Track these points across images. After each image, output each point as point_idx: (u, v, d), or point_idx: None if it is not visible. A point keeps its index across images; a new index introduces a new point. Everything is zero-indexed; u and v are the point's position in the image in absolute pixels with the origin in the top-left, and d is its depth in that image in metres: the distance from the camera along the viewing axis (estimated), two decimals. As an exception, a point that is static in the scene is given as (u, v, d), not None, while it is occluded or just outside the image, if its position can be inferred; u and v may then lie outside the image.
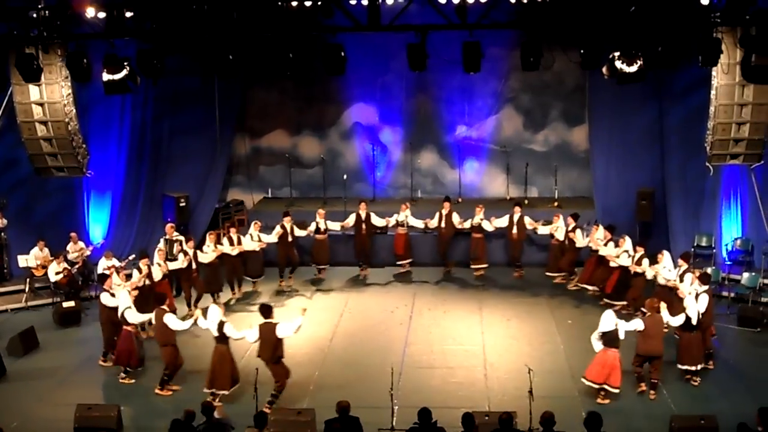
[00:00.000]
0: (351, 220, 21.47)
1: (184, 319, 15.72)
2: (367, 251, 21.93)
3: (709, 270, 18.68)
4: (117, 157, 22.39)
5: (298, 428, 12.97)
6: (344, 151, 25.33)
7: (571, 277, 20.79)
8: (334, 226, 21.36)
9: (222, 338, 14.48)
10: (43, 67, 17.38)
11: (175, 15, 16.80)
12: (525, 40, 16.86)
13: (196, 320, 15.03)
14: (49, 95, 18.13)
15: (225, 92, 23.31)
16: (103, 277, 16.70)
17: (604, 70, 17.70)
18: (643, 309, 17.47)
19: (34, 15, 16.90)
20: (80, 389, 15.34)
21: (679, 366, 15.10)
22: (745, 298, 19.04)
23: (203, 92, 22.93)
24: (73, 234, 20.63)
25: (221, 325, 14.45)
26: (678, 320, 14.78)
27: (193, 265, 18.85)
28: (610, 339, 14.20)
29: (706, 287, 15.53)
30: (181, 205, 22.34)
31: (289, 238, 20.83)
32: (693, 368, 15.03)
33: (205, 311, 15.01)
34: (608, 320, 14.21)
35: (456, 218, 21.44)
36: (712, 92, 17.24)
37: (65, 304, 19.01)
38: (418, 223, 21.61)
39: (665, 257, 17.55)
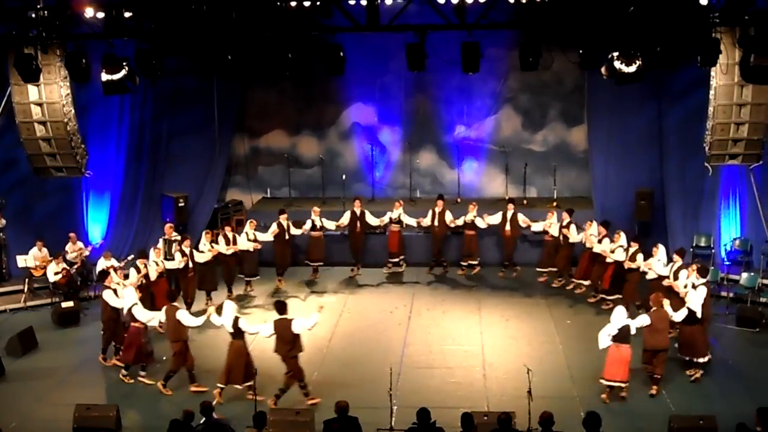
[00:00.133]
0: (346, 218, 21.46)
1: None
2: (361, 250, 21.93)
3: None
4: (116, 157, 22.38)
5: (297, 428, 12.97)
6: (343, 151, 25.32)
7: (560, 277, 20.81)
8: (330, 224, 21.36)
9: (237, 334, 14.51)
10: (41, 68, 17.36)
11: (174, 15, 16.80)
12: (524, 41, 16.86)
13: (209, 316, 15.04)
14: (47, 95, 18.12)
15: (224, 92, 23.33)
16: (104, 274, 16.67)
17: (602, 70, 17.69)
18: (637, 304, 17.72)
19: (33, 15, 16.91)
20: (79, 389, 15.34)
21: (685, 357, 15.20)
22: (744, 298, 19.05)
23: (202, 92, 22.92)
24: (72, 234, 20.61)
25: (236, 320, 14.47)
26: (680, 315, 14.87)
27: (191, 265, 18.80)
28: (622, 335, 14.22)
29: (704, 280, 15.68)
30: (180, 205, 22.31)
31: (286, 236, 20.81)
32: (699, 360, 15.19)
33: (218, 308, 15.08)
34: (620, 317, 14.24)
35: (449, 216, 21.43)
36: (711, 92, 17.24)
37: (64, 305, 19.00)
38: (411, 221, 21.61)
39: (660, 250, 17.61)
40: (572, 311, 19.13)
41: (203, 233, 19.83)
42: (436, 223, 21.49)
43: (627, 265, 18.19)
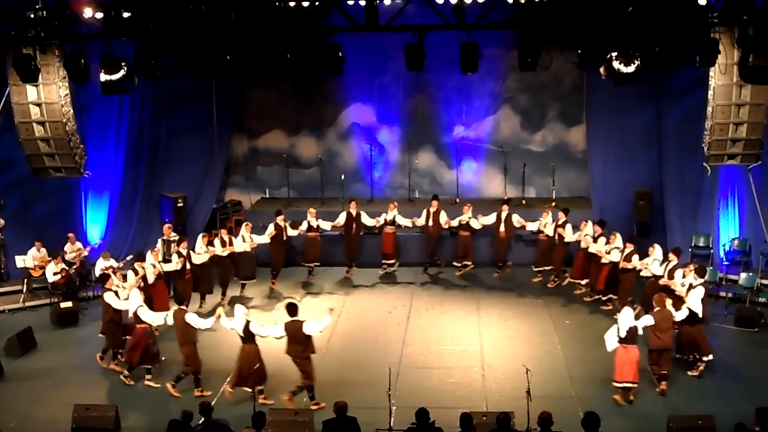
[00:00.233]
0: (342, 218, 21.43)
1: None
2: (355, 251, 21.91)
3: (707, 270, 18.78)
4: (114, 158, 22.39)
5: (295, 428, 12.96)
6: (342, 152, 25.32)
7: (556, 277, 20.81)
8: (326, 225, 21.33)
9: (249, 337, 14.48)
10: (40, 68, 17.36)
11: (172, 15, 16.80)
12: (522, 41, 16.87)
13: (218, 318, 15.03)
14: (46, 95, 18.12)
15: (223, 92, 23.35)
16: (105, 277, 16.63)
17: (601, 70, 17.69)
18: (635, 305, 17.71)
19: (32, 15, 16.91)
20: (78, 389, 15.32)
21: (684, 357, 15.27)
22: (743, 298, 19.05)
23: (201, 92, 22.93)
24: (70, 234, 20.61)
25: (247, 324, 14.46)
26: (681, 314, 14.91)
27: (188, 266, 18.73)
28: (630, 337, 14.23)
29: (702, 280, 15.75)
30: (179, 205, 22.30)
31: (284, 237, 20.78)
32: (705, 358, 15.29)
33: (226, 310, 15.06)
34: (628, 318, 14.24)
35: (443, 217, 21.42)
36: (710, 92, 17.24)
37: (63, 305, 18.99)
38: (407, 222, 21.60)
39: (656, 250, 17.62)
40: (571, 311, 19.14)
41: (200, 236, 19.73)
42: (430, 223, 21.48)
43: (622, 265, 18.22)
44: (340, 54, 16.84)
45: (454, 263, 21.80)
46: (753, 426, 11.22)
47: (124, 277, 17.12)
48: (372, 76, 24.31)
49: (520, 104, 24.59)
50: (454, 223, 21.44)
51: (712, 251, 20.74)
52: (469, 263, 21.69)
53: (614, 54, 16.81)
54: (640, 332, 14.39)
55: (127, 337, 16.10)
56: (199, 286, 19.15)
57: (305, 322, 14.31)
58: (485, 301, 19.92)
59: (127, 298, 16.05)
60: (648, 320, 14.52)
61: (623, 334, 14.22)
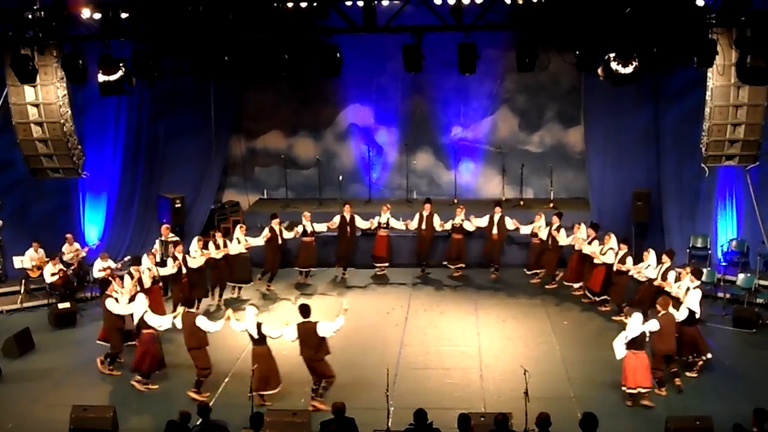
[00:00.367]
0: (336, 220, 21.37)
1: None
2: (350, 253, 21.89)
3: (704, 271, 18.78)
4: (112, 158, 22.41)
5: (293, 429, 12.95)
6: (340, 153, 25.32)
7: (554, 279, 20.79)
8: (321, 227, 21.29)
9: (261, 339, 14.45)
10: (38, 68, 17.39)
11: (170, 16, 16.81)
12: (520, 42, 16.88)
13: (227, 320, 15.00)
14: (44, 96, 18.12)
15: (220, 93, 23.36)
16: (106, 283, 16.53)
17: (599, 71, 17.73)
18: (630, 305, 17.91)
19: (30, 16, 16.93)
20: (76, 390, 15.31)
21: (683, 357, 15.27)
22: (741, 299, 19.05)
23: (199, 93, 22.92)
24: (68, 235, 20.61)
25: (259, 326, 14.42)
26: (682, 314, 14.93)
27: (183, 270, 18.60)
28: (639, 342, 14.20)
29: (698, 282, 15.79)
30: (177, 206, 22.26)
31: (279, 241, 20.71)
32: (704, 357, 15.33)
33: (235, 312, 15.10)
34: (637, 324, 14.20)
35: (437, 220, 21.40)
36: (708, 93, 17.25)
37: (60, 306, 18.96)
38: (400, 225, 21.58)
39: (651, 255, 17.63)
40: (569, 312, 19.13)
41: (195, 239, 19.53)
42: (423, 226, 21.43)
43: (617, 267, 18.24)
44: (338, 55, 16.85)
45: (449, 266, 21.77)
46: (751, 426, 11.22)
47: (121, 280, 17.10)
48: (370, 77, 24.31)
49: (518, 105, 24.59)
50: (447, 225, 21.41)
51: (710, 252, 20.76)
52: (462, 265, 21.68)
53: (612, 55, 16.84)
54: (648, 338, 14.38)
55: (131, 343, 16.11)
56: (194, 290, 18.95)
57: (319, 323, 14.28)
58: (483, 302, 19.92)
59: (128, 303, 16.03)
60: (654, 325, 14.47)
61: (623, 341, 14.20)
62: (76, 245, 20.64)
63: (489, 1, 16.39)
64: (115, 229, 22.63)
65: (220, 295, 19.93)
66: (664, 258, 17.13)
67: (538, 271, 21.05)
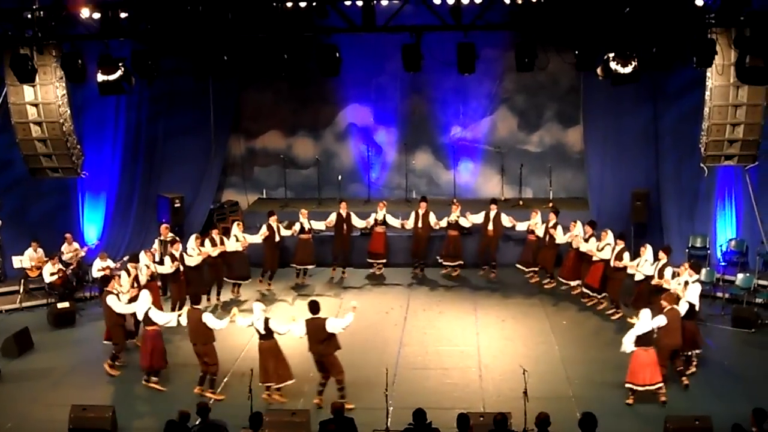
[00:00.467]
0: (332, 218, 21.33)
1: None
2: (347, 252, 21.88)
3: (703, 270, 18.80)
4: (111, 158, 22.40)
5: (292, 429, 12.96)
6: (339, 152, 25.33)
7: (551, 277, 20.80)
8: (318, 225, 21.26)
9: (268, 335, 14.48)
10: (37, 68, 17.35)
11: (169, 16, 16.80)
12: (519, 41, 16.87)
13: (233, 317, 15.02)
14: (43, 96, 18.10)
15: (220, 93, 23.36)
16: (107, 280, 16.49)
17: (598, 71, 17.71)
18: (626, 304, 18.08)
19: (29, 16, 16.90)
20: (75, 390, 15.31)
21: (685, 354, 15.25)
22: (740, 299, 19.06)
23: (198, 93, 22.89)
24: (67, 235, 20.61)
25: (266, 321, 14.46)
26: (683, 308, 14.93)
27: (181, 269, 18.54)
28: (647, 338, 14.23)
29: (697, 276, 15.90)
30: (176, 205, 22.27)
31: (276, 238, 20.70)
32: (697, 351, 15.36)
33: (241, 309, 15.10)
34: (646, 320, 14.22)
35: (432, 218, 21.37)
36: (707, 93, 17.24)
37: (60, 305, 18.96)
38: (396, 222, 21.58)
39: (648, 251, 17.64)
40: (568, 312, 19.13)
41: (192, 237, 19.53)
42: (419, 224, 21.42)
43: (614, 263, 18.24)
44: (337, 55, 16.82)
45: (445, 263, 21.76)
46: (750, 426, 11.22)
47: (120, 279, 17.10)
48: (369, 77, 24.33)
49: (517, 105, 24.61)
50: (443, 222, 21.40)
51: (709, 252, 20.76)
52: (460, 263, 21.67)
53: (611, 55, 16.82)
54: (655, 334, 14.40)
55: (132, 341, 16.10)
56: (191, 288, 18.92)
57: (327, 319, 14.33)
58: (482, 301, 19.92)
59: (129, 302, 16.01)
60: (661, 320, 14.45)
61: (633, 338, 14.20)
62: (76, 245, 20.63)
63: (488, 1, 16.38)
64: (114, 228, 22.63)
65: (218, 293, 19.90)
66: (661, 254, 17.15)
67: (536, 269, 21.05)
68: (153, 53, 17.22)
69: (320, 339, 14.29)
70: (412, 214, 21.50)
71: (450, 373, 15.90)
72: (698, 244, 20.88)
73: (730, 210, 20.72)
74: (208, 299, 19.75)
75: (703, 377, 15.31)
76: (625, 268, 18.04)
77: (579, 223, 19.85)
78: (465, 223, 21.35)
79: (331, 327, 14.25)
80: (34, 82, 17.72)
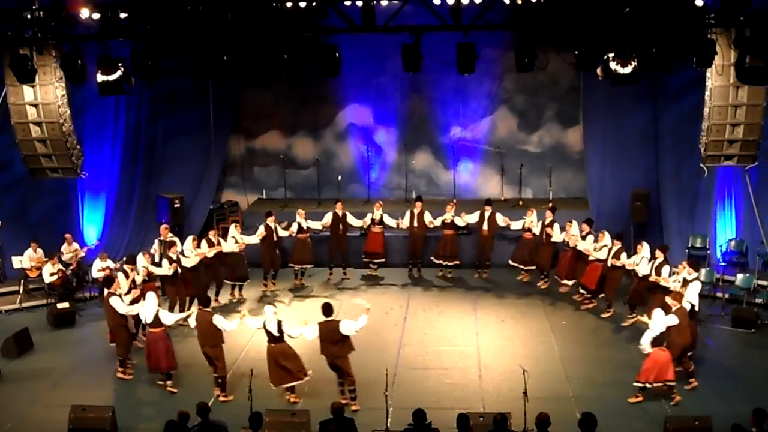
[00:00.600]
0: (328, 218, 21.31)
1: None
2: (344, 252, 21.86)
3: (703, 270, 18.80)
4: (111, 158, 22.40)
5: (292, 429, 12.96)
6: (339, 152, 25.32)
7: (546, 276, 20.79)
8: (315, 225, 21.22)
9: (279, 337, 14.47)
10: (37, 68, 17.34)
11: (169, 16, 16.79)
12: (519, 42, 16.86)
13: (242, 318, 15.02)
14: (43, 96, 18.09)
15: (219, 93, 23.35)
16: (110, 281, 16.41)
17: (598, 71, 17.71)
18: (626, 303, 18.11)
19: (29, 16, 16.90)
20: (75, 390, 15.30)
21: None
22: (740, 299, 19.05)
23: (198, 93, 22.88)
24: (67, 235, 20.60)
25: (279, 323, 14.45)
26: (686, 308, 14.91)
27: (179, 271, 18.45)
28: (660, 338, 14.26)
29: (696, 274, 15.92)
30: (176, 206, 22.24)
31: (274, 238, 20.67)
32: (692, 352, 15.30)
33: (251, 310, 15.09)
34: (660, 321, 14.23)
35: (428, 217, 21.34)
36: (707, 93, 17.24)
37: (59, 306, 18.96)
38: (392, 222, 21.56)
39: (644, 248, 17.64)
40: (567, 312, 19.14)
41: (189, 238, 19.48)
42: (415, 224, 21.40)
43: (611, 262, 18.24)
44: (337, 55, 16.82)
45: (442, 263, 21.71)
46: (750, 427, 11.23)
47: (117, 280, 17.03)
48: (369, 77, 24.32)
49: (517, 105, 24.61)
50: (437, 222, 21.39)
51: (708, 252, 20.75)
52: (456, 263, 21.63)
53: (611, 55, 16.82)
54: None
55: (137, 343, 16.11)
56: (189, 290, 18.82)
57: (341, 321, 14.34)
58: (482, 302, 19.92)
59: (131, 303, 15.98)
60: (673, 319, 14.41)
61: (650, 339, 14.19)
62: (75, 245, 20.63)
63: (488, 1, 16.37)
64: (114, 229, 22.62)
65: (217, 294, 19.88)
66: (657, 253, 17.16)
67: (531, 268, 21.03)
68: (153, 53, 17.21)
69: (334, 341, 14.30)
70: (407, 214, 21.46)
71: (450, 374, 15.90)
72: (698, 244, 20.87)
73: (729, 210, 20.71)
74: (216, 299, 19.74)
75: (703, 377, 15.28)
76: (622, 266, 18.04)
77: (575, 223, 19.82)
78: (459, 222, 21.33)
79: (345, 329, 14.26)
80: (34, 82, 17.71)
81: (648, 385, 14.22)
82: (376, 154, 25.04)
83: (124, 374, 15.96)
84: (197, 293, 18.47)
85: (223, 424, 12.41)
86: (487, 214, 21.11)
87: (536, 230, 20.63)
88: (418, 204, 21.46)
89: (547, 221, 20.40)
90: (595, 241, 18.93)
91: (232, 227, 20.46)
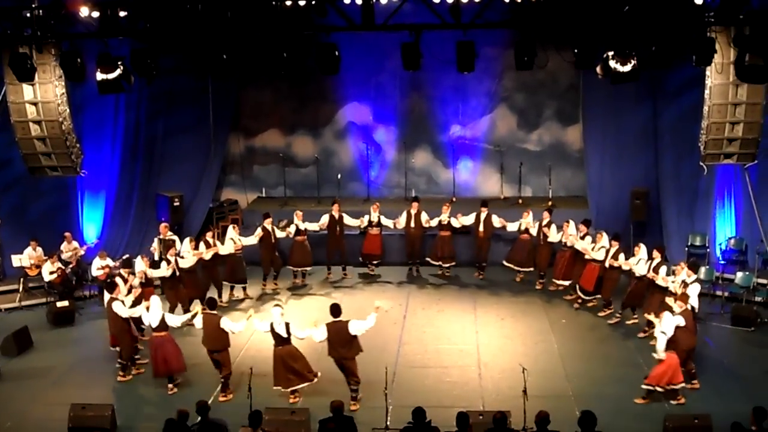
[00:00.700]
0: (324, 221, 21.27)
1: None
2: (342, 252, 21.84)
3: (703, 269, 18.81)
4: (111, 157, 22.39)
5: (292, 428, 12.96)
6: (338, 151, 25.31)
7: (542, 277, 20.75)
8: (312, 226, 21.18)
9: (287, 339, 14.48)
10: (36, 67, 17.34)
11: (169, 14, 16.80)
12: (519, 40, 16.85)
13: (249, 319, 15.03)
14: (42, 95, 18.08)
15: (219, 92, 23.34)
16: (112, 285, 16.34)
17: (598, 69, 17.71)
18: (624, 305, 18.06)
19: (28, 14, 16.91)
20: (74, 389, 15.30)
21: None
22: (739, 297, 19.04)
23: (197, 92, 22.91)
24: (67, 234, 20.61)
25: (287, 325, 14.45)
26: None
27: (177, 273, 18.36)
28: (670, 341, 14.23)
29: (695, 276, 15.94)
30: (175, 204, 22.24)
31: (272, 240, 20.63)
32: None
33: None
34: (670, 323, 14.18)
35: (425, 217, 21.30)
36: (706, 92, 17.23)
37: (59, 304, 18.96)
38: (389, 223, 21.54)
39: (642, 250, 17.62)
40: (567, 310, 19.13)
41: (186, 239, 19.41)
42: (412, 224, 21.37)
43: (609, 263, 18.23)
44: (337, 53, 16.81)
45: (440, 264, 21.69)
46: (749, 425, 11.24)
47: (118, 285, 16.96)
48: (368, 75, 24.29)
49: (516, 103, 24.59)
50: (434, 222, 21.36)
51: (708, 250, 20.76)
52: (452, 264, 21.62)
53: (611, 53, 16.81)
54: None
55: (138, 346, 16.12)
56: (188, 292, 18.69)
57: (350, 322, 14.32)
58: (481, 300, 19.92)
59: (133, 305, 15.95)
60: (680, 320, 14.36)
61: (664, 342, 14.15)
62: (75, 244, 20.63)
63: (487, 0, 16.38)
64: (113, 227, 22.61)
65: (219, 296, 19.78)
66: (655, 253, 17.14)
67: (528, 269, 21.00)
68: (152, 52, 17.21)
69: (343, 342, 14.30)
70: (404, 214, 21.44)
71: (449, 372, 15.91)
72: (697, 243, 20.88)
73: (729, 208, 20.72)
74: (219, 299, 19.64)
75: (703, 375, 15.27)
76: (620, 267, 18.01)
77: (572, 223, 19.79)
78: (455, 223, 21.31)
79: (354, 329, 14.27)
80: (34, 80, 17.70)
81: (659, 389, 14.19)
82: (375, 152, 25.02)
83: (125, 377, 15.95)
84: (197, 295, 18.62)
85: (223, 422, 12.42)
86: (483, 216, 21.09)
87: (533, 231, 20.61)
88: (415, 204, 21.45)
89: (545, 222, 20.38)
90: (593, 242, 18.90)
91: (230, 228, 20.42)
